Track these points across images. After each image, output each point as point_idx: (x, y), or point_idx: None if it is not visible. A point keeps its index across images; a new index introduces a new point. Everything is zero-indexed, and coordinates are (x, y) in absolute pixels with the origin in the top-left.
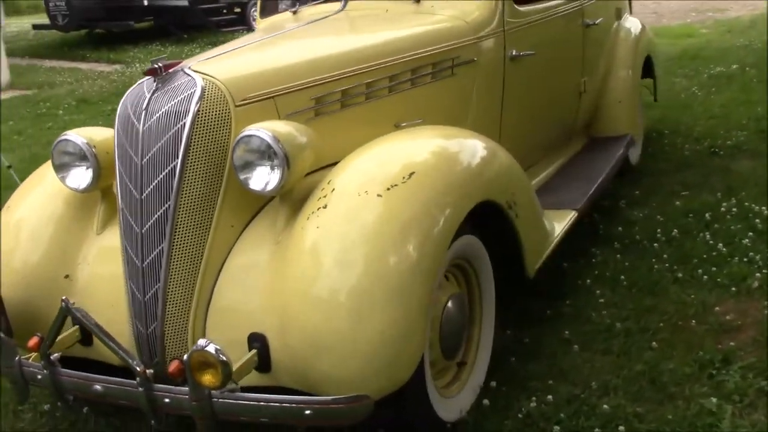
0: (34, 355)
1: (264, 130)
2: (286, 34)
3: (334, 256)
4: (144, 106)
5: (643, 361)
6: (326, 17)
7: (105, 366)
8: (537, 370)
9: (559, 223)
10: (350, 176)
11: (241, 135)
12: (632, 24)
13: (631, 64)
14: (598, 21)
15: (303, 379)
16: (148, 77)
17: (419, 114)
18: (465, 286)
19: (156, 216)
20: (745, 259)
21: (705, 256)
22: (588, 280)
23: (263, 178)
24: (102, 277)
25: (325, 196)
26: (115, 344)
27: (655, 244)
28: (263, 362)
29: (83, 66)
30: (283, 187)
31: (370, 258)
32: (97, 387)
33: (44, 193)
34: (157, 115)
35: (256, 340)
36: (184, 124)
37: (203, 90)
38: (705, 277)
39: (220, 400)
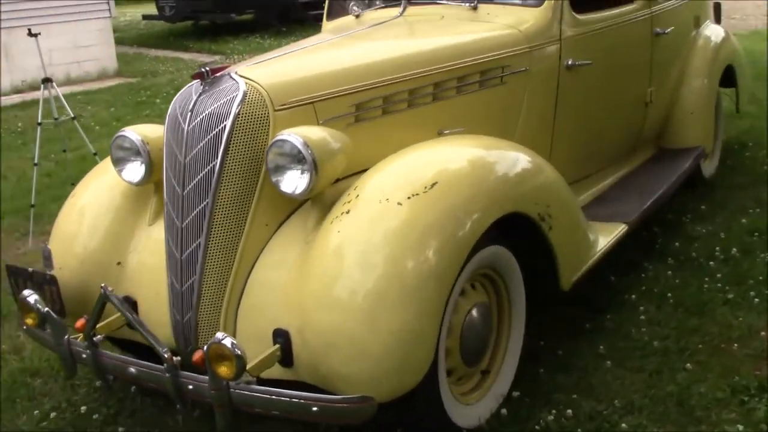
0: (82, 335)
1: (295, 135)
2: (337, 40)
3: (351, 260)
4: (190, 107)
5: (675, 382)
6: (384, 22)
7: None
8: (564, 384)
9: (606, 237)
10: (375, 184)
11: (275, 139)
12: (713, 32)
13: (706, 73)
14: (668, 30)
15: (319, 376)
16: (196, 80)
17: (464, 122)
18: (494, 296)
19: (195, 212)
20: None
21: (761, 277)
22: (634, 296)
23: (293, 182)
24: (149, 266)
25: (349, 202)
26: (146, 331)
27: (711, 263)
28: (286, 357)
29: (185, 56)
30: (311, 191)
31: (384, 264)
32: (132, 370)
33: (105, 184)
34: (201, 116)
35: (280, 336)
36: (225, 126)
37: (245, 94)
38: (756, 299)
39: (236, 390)
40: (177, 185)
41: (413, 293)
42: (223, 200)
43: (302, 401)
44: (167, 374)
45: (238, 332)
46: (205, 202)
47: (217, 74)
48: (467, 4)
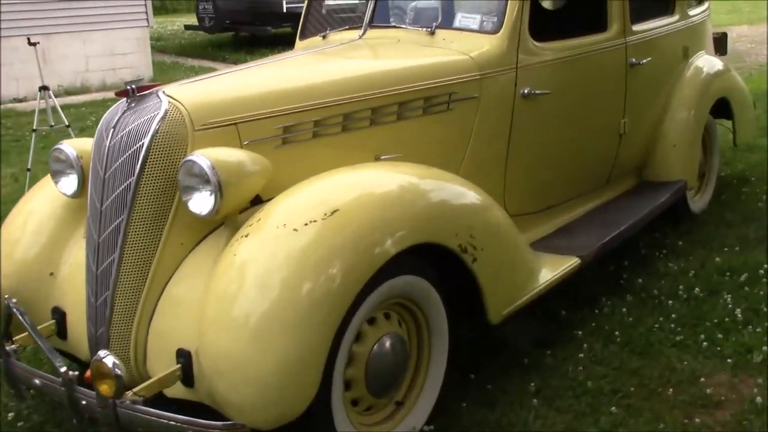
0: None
1: (204, 156)
2: (278, 62)
3: (242, 284)
4: (113, 123)
5: (597, 426)
6: (341, 44)
7: None
8: (485, 419)
9: (554, 270)
10: (279, 209)
11: (185, 159)
12: (706, 63)
13: (693, 106)
14: (644, 60)
15: (214, 399)
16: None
17: (405, 147)
18: (413, 327)
19: (111, 227)
20: (759, 330)
21: (716, 320)
22: (581, 332)
23: (201, 202)
24: (78, 277)
25: (251, 225)
26: (45, 344)
27: (671, 301)
28: (187, 377)
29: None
30: (217, 213)
31: (272, 290)
32: (36, 381)
33: (49, 195)
34: (122, 132)
35: (183, 356)
36: (143, 143)
37: (166, 112)
38: (705, 343)
39: (121, 409)
40: (96, 200)
41: (298, 322)
42: (137, 217)
43: (179, 424)
44: (62, 388)
45: (149, 349)
46: (120, 218)
47: (145, 92)
48: (425, 30)
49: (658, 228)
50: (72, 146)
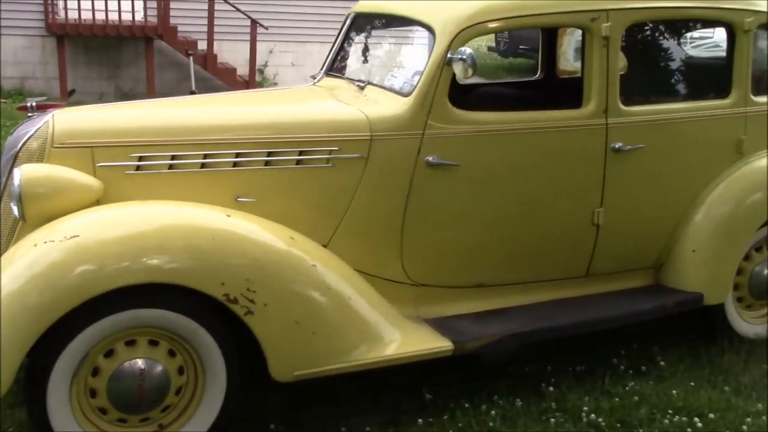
0: None
1: (19, 170)
2: (173, 100)
3: None
4: (14, 130)
5: None
6: (289, 88)
7: None
8: None
9: (412, 347)
10: (49, 226)
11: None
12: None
13: (735, 208)
14: (630, 147)
15: None
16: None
17: (266, 194)
18: (190, 362)
19: None
20: None
21: None
22: (421, 420)
23: (14, 207)
24: None
25: (29, 234)
26: None
27: (568, 425)
28: None
29: None
30: (24, 218)
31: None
32: None
33: None
34: (12, 137)
35: None
36: (17, 149)
37: (38, 128)
38: None
39: None
40: None
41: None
42: (4, 205)
43: None
44: None
45: None
46: None
47: (45, 110)
48: (358, 84)
49: (672, 341)
50: None
